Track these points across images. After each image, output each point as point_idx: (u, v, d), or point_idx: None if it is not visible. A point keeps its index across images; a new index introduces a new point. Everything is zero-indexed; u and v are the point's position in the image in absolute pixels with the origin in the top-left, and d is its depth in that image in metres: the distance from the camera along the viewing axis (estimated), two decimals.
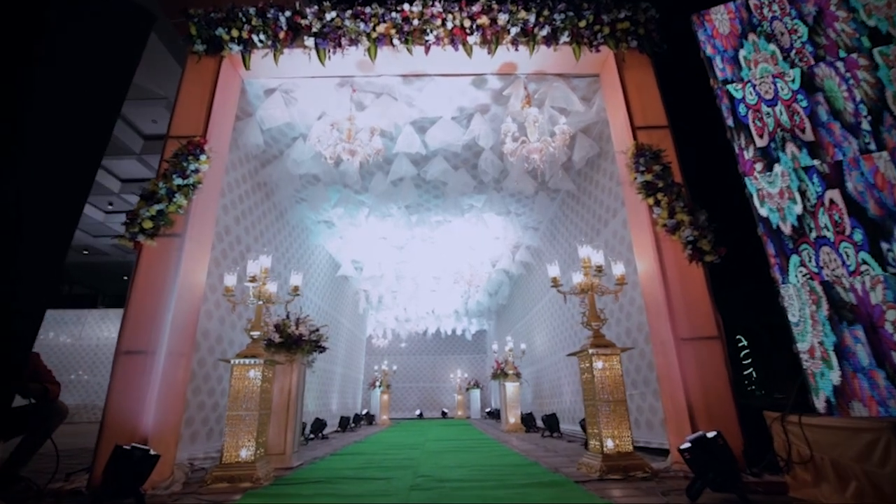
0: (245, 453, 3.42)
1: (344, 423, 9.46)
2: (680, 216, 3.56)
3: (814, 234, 2.48)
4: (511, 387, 8.92)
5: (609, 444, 3.44)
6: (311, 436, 7.29)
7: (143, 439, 3.03)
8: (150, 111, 9.70)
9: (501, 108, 5.17)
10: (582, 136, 5.57)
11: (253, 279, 3.79)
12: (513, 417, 8.72)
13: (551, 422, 7.02)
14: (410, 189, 6.43)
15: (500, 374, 9.16)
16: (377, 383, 12.50)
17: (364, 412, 12.63)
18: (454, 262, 9.48)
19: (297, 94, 4.89)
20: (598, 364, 3.65)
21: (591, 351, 3.64)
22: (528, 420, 8.46)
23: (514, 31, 4.16)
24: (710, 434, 2.48)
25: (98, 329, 14.45)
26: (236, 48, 4.16)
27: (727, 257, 3.55)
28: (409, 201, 6.90)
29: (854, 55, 2.64)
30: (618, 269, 3.96)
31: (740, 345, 5.83)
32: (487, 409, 15.30)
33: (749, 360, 5.75)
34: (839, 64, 2.67)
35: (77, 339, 14.31)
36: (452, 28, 4.14)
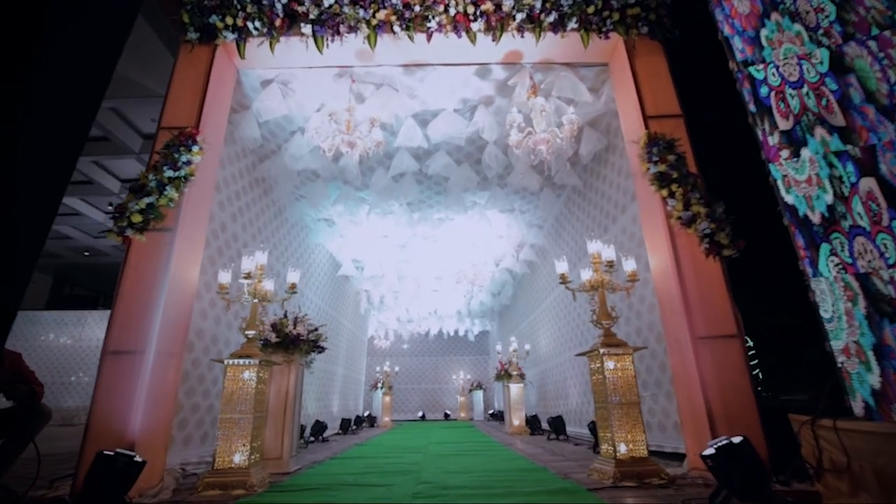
0: (239, 458, 3.25)
1: (345, 425, 9.29)
2: (696, 208, 3.38)
3: (847, 223, 2.30)
4: (515, 388, 8.74)
5: (622, 448, 3.26)
6: (311, 438, 7.13)
7: (129, 444, 2.86)
8: (149, 110, 9.56)
9: (506, 100, 4.99)
10: (589, 129, 5.39)
11: (248, 276, 3.62)
12: (517, 419, 8.53)
13: (557, 424, 6.83)
14: (412, 185, 6.26)
15: (504, 375, 8.98)
16: (379, 385, 12.33)
17: (366, 414, 12.45)
18: (457, 261, 9.30)
19: (295, 86, 4.73)
20: (610, 364, 3.47)
21: (601, 350, 3.46)
22: (532, 422, 8.27)
23: (519, 17, 3.99)
24: (737, 439, 2.30)
25: (98, 330, 14.31)
26: (231, 36, 4.01)
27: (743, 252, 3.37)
28: (411, 198, 6.73)
29: (887, 33, 2.45)
30: (629, 265, 3.78)
31: (746, 345, 5.67)
32: (491, 411, 15.11)
33: (755, 361, 5.60)
34: (871, 43, 2.49)
35: (77, 340, 14.20)
36: (455, 14, 3.98)
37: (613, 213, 5.52)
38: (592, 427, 5.19)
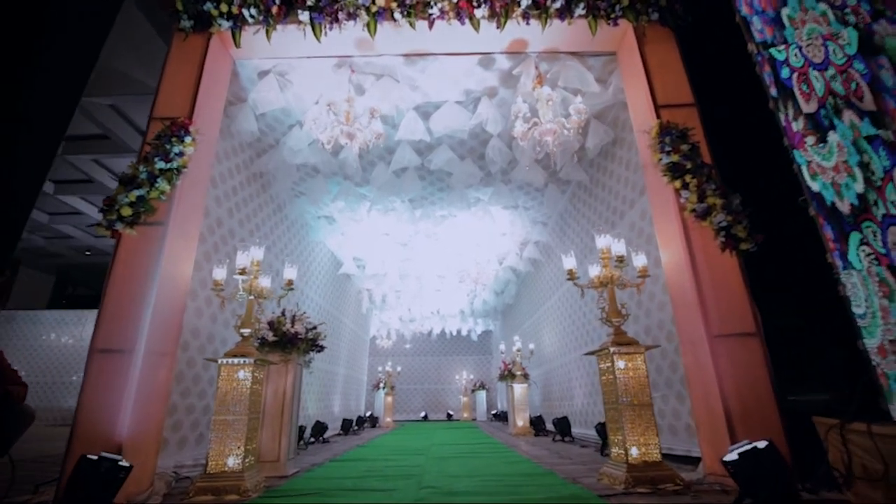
0: (232, 462, 3.12)
1: (346, 426, 9.15)
2: (711, 200, 3.22)
3: (880, 212, 2.13)
4: (519, 388, 8.58)
5: (634, 452, 3.11)
6: (312, 439, 7.00)
7: (117, 447, 2.73)
8: (149, 108, 9.49)
9: (510, 92, 4.84)
10: (596, 121, 5.23)
11: (242, 272, 3.48)
12: (521, 420, 8.37)
13: (563, 425, 6.67)
14: (414, 180, 6.12)
15: (508, 375, 8.82)
16: (381, 385, 12.20)
17: (368, 414, 12.32)
18: (460, 258, 9.15)
19: (293, 77, 4.59)
20: (621, 364, 3.32)
21: (612, 349, 3.31)
22: (537, 423, 8.11)
23: (525, 2, 3.84)
24: (761, 444, 2.14)
25: None
26: (226, 24, 3.87)
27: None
28: (413, 194, 6.59)
29: None
30: (639, 261, 3.63)
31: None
32: (494, 412, 14.95)
33: None
34: None
35: (78, 339, 14.11)
36: (458, 0, 3.82)
37: (621, 208, 5.36)
38: (600, 429, 5.03)
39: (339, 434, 8.79)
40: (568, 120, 4.01)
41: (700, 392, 3.17)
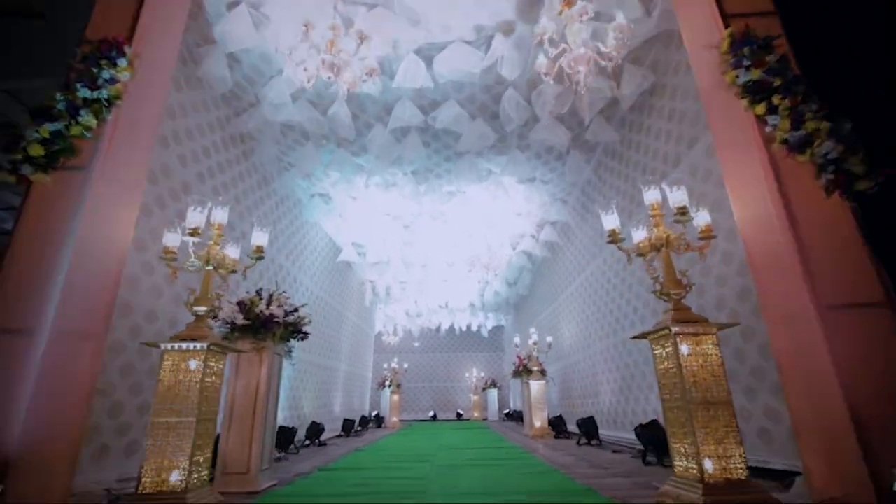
0: (176, 477, 2.37)
1: (348, 427, 8.40)
2: (812, 125, 2.37)
3: None
4: (536, 385, 7.76)
5: (708, 466, 2.30)
6: (307, 442, 6.27)
7: (2, 460, 1.98)
8: None
9: (529, 28, 4.01)
10: (631, 67, 4.38)
11: (194, 232, 2.73)
12: (539, 420, 7.54)
13: (589, 427, 5.84)
14: (417, 146, 5.33)
15: (523, 371, 8.00)
16: (386, 383, 11.44)
17: (373, 414, 11.60)
18: (470, 240, 8.34)
19: (269, 10, 3.83)
20: (685, 348, 2.51)
21: (673, 329, 2.50)
22: (557, 424, 7.27)
23: None
24: None
25: None
26: None
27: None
28: (416, 164, 5.81)
29: None
30: (701, 218, 2.81)
31: None
32: (506, 411, 14.14)
33: None
34: None
35: None
36: None
37: (661, 168, 4.51)
38: (641, 432, 4.20)
39: (339, 435, 8.06)
40: (605, 45, 3.19)
41: (801, 386, 2.33)
